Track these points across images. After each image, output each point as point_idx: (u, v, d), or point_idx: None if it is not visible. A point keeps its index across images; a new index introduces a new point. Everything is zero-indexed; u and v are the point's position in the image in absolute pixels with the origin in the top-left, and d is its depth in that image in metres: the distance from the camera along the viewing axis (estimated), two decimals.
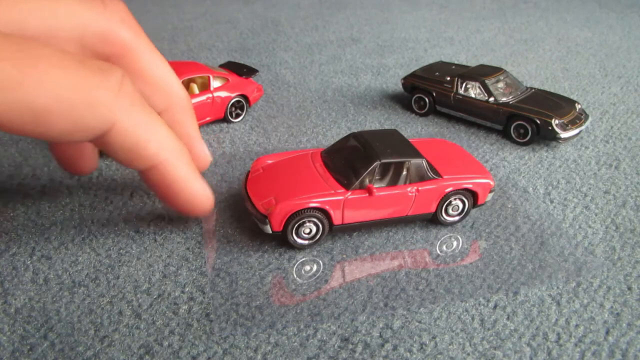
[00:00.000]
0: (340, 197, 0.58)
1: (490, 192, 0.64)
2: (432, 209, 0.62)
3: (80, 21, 0.48)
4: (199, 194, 0.55)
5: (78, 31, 0.48)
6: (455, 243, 0.62)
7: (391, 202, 0.60)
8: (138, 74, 0.53)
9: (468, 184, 0.62)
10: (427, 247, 0.61)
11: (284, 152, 0.68)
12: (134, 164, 0.50)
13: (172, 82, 0.57)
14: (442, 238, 0.62)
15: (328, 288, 0.54)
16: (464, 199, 0.63)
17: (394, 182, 0.60)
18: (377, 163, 0.58)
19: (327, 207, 0.57)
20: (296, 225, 0.57)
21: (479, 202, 0.63)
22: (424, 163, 0.60)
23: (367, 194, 0.58)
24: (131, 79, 0.50)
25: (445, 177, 0.62)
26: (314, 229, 0.58)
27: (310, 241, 0.59)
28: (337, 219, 0.59)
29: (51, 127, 0.43)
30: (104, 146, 0.48)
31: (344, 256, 0.59)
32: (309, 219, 0.57)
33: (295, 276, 0.56)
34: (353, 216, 0.59)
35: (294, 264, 0.58)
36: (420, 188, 0.60)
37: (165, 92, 0.57)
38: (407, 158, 0.60)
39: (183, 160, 0.53)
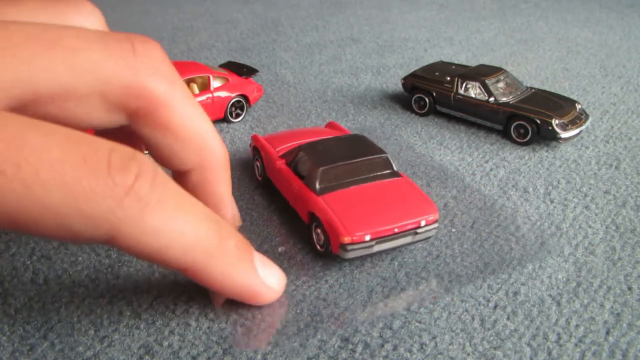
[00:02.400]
0: None
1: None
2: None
3: (103, 74, 0.41)
4: (248, 288, 0.49)
5: (100, 86, 0.41)
6: (450, 244, 0.62)
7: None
8: (169, 129, 0.46)
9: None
10: (427, 247, 0.61)
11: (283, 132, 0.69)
12: (158, 264, 0.44)
13: (208, 137, 0.50)
14: (439, 236, 0.62)
15: (328, 288, 0.54)
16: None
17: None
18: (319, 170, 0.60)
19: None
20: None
21: None
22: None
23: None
24: (156, 136, 0.44)
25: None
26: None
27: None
28: None
29: (33, 231, 0.36)
30: (116, 248, 0.41)
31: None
32: None
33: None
34: None
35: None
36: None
37: (198, 149, 0.49)
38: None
39: (221, 259, 0.46)
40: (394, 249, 0.57)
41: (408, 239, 0.56)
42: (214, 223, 0.45)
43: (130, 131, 0.46)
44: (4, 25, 0.37)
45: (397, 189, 0.60)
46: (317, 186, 0.60)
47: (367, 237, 0.54)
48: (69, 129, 0.37)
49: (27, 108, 0.38)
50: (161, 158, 0.48)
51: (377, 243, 0.55)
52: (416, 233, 0.56)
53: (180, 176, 0.51)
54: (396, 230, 0.55)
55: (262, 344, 0.48)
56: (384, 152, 0.63)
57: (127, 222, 0.38)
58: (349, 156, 0.62)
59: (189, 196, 0.44)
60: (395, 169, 0.63)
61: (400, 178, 0.62)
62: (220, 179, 0.53)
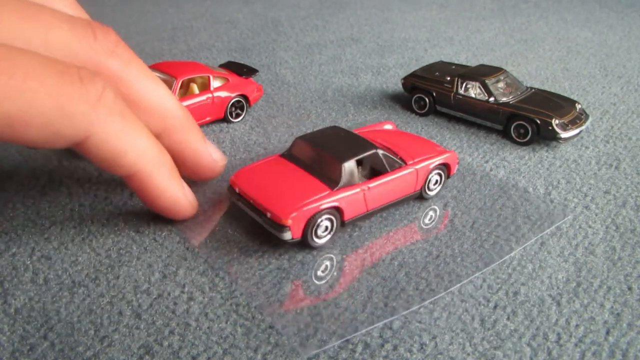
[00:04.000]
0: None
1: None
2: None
3: (69, 51, 0.49)
4: (177, 201, 0.58)
5: (68, 58, 0.49)
6: (451, 243, 0.62)
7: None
8: (130, 101, 0.54)
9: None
10: (427, 247, 0.61)
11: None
12: (112, 171, 0.52)
13: (166, 104, 0.58)
14: (438, 236, 0.62)
15: (328, 288, 0.54)
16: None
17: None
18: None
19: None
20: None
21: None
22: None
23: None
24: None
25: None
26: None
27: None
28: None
29: (25, 134, 0.43)
30: (82, 152, 0.49)
31: (344, 256, 0.59)
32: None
33: (314, 280, 0.56)
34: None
35: (313, 266, 0.58)
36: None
37: (160, 116, 0.58)
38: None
39: (162, 169, 0.55)
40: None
41: None
42: (156, 139, 0.55)
43: None
44: None
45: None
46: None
47: None
48: (44, 54, 0.45)
49: None
50: None
51: None
52: None
53: None
54: None
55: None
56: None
57: (98, 123, 0.46)
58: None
59: (136, 117, 0.52)
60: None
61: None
62: (188, 137, 0.61)
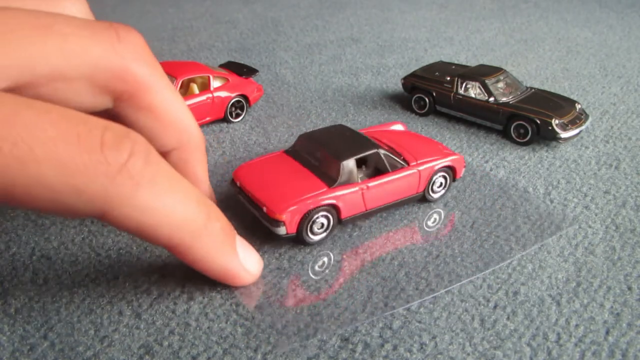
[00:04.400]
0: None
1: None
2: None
3: (91, 58, 0.43)
4: (228, 271, 0.51)
5: (89, 69, 0.43)
6: (451, 243, 0.62)
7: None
8: (151, 111, 0.50)
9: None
10: (427, 247, 0.61)
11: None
12: (146, 240, 0.45)
13: (186, 120, 0.54)
14: (439, 237, 0.62)
15: (327, 288, 0.54)
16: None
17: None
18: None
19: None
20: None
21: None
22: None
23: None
24: (138, 118, 0.48)
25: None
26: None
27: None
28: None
29: (32, 206, 0.38)
30: (107, 223, 0.42)
31: (344, 256, 0.59)
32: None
33: (310, 274, 0.56)
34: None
35: (309, 262, 0.58)
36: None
37: (178, 131, 0.53)
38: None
39: (206, 240, 0.47)
40: None
41: None
42: (203, 204, 0.47)
43: (114, 115, 0.49)
44: (1, 11, 0.40)
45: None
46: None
47: None
48: (63, 107, 0.39)
49: (21, 90, 0.40)
50: None
51: None
52: None
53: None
54: None
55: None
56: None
57: (119, 199, 0.39)
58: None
59: (179, 176, 0.46)
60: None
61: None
62: (197, 159, 0.57)
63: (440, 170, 0.67)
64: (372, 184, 0.62)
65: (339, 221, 0.61)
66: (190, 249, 0.47)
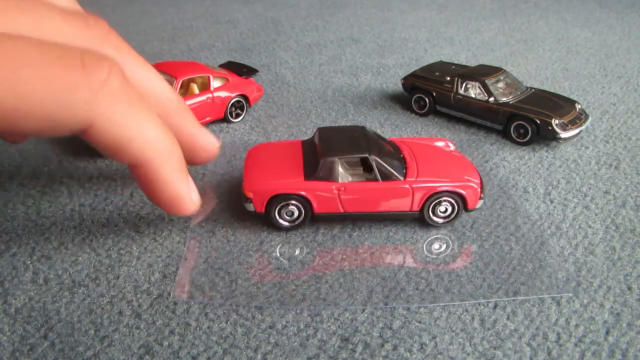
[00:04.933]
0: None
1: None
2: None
3: (64, 38, 0.47)
4: (181, 196, 0.55)
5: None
6: (451, 243, 0.62)
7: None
8: None
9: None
10: (426, 247, 0.61)
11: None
12: (117, 158, 0.50)
13: (159, 88, 0.57)
14: (438, 237, 0.62)
15: (328, 288, 0.54)
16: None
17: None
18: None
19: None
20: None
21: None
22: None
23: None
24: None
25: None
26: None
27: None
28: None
29: (22, 125, 0.41)
30: (86, 139, 0.47)
31: (344, 256, 0.59)
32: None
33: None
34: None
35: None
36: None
37: (155, 101, 0.57)
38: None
39: (170, 162, 0.53)
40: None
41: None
42: (167, 130, 0.52)
43: None
44: None
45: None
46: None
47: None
48: (44, 40, 0.43)
49: None
50: None
51: None
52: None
53: None
54: None
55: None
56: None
57: (101, 112, 0.44)
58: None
59: (148, 105, 0.51)
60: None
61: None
62: (183, 121, 0.59)
63: (444, 194, 0.62)
64: (349, 187, 0.61)
65: (313, 215, 0.62)
66: (155, 169, 0.51)
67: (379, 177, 0.61)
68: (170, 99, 0.59)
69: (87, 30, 0.50)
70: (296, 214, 0.62)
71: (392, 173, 0.62)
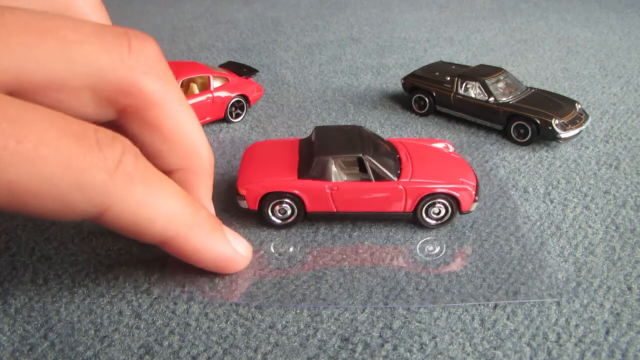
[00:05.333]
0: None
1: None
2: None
3: (96, 69, 0.41)
4: (224, 258, 0.52)
5: (93, 80, 0.41)
6: (451, 243, 0.62)
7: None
8: (157, 128, 0.47)
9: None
10: (426, 247, 0.61)
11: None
12: (141, 240, 0.46)
13: (195, 141, 0.51)
14: (438, 237, 0.62)
15: (328, 288, 0.54)
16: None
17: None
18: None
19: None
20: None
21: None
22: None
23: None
24: (143, 134, 0.46)
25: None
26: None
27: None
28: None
29: (33, 206, 0.38)
30: (104, 224, 0.43)
31: (344, 256, 0.59)
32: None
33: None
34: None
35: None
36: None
37: (185, 152, 0.50)
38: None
39: (199, 230, 0.48)
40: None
41: None
42: (188, 197, 0.48)
43: (117, 127, 0.46)
44: (0, 11, 0.38)
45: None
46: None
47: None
48: (57, 111, 0.39)
49: (19, 96, 0.39)
50: (146, 157, 0.48)
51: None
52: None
53: None
54: None
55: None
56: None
57: (117, 194, 0.41)
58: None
59: (163, 174, 0.47)
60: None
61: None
62: (202, 184, 0.54)
63: (437, 195, 0.61)
64: (342, 186, 0.61)
65: (305, 214, 0.62)
66: (185, 241, 0.48)
67: (372, 177, 0.61)
68: (199, 156, 0.52)
69: (129, 56, 0.43)
70: (289, 212, 0.62)
71: (386, 174, 0.61)
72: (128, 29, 0.44)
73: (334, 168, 0.61)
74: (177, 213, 0.46)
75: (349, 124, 0.93)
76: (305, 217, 0.63)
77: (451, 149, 0.72)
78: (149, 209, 0.43)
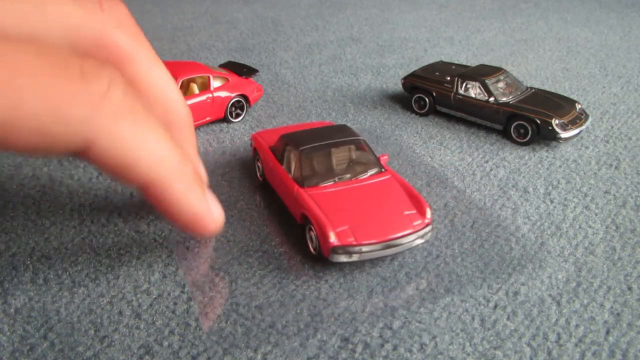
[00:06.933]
0: None
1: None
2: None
3: (72, 23, 0.42)
4: (199, 214, 0.51)
5: (69, 34, 0.42)
6: (450, 243, 0.62)
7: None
8: (135, 83, 0.48)
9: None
10: (427, 247, 0.61)
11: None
12: (123, 181, 0.45)
13: (172, 96, 0.52)
14: (438, 237, 0.62)
15: (328, 288, 0.54)
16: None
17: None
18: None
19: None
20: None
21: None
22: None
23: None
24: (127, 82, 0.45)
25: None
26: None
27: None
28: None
29: (13, 140, 0.37)
30: (87, 161, 0.42)
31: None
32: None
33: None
34: None
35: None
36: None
37: (163, 107, 0.51)
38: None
39: (183, 178, 0.47)
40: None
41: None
42: (176, 145, 0.47)
43: None
44: None
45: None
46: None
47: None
48: (40, 42, 0.39)
49: None
50: None
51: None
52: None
53: None
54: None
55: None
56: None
57: (102, 128, 0.39)
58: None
59: (152, 115, 0.45)
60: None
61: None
62: (184, 138, 0.54)
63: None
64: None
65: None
66: (166, 188, 0.46)
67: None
68: (180, 110, 0.53)
69: (100, 15, 0.45)
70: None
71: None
72: None
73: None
74: (164, 156, 0.45)
75: (349, 124, 0.92)
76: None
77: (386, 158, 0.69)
78: (135, 146, 0.42)
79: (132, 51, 0.47)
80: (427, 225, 0.57)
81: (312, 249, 0.58)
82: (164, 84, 0.51)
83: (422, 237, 0.57)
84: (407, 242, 0.56)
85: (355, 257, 0.55)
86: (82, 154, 0.40)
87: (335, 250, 0.54)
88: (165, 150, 0.45)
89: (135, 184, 0.46)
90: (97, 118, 0.39)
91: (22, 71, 0.35)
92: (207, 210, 0.51)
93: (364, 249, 0.55)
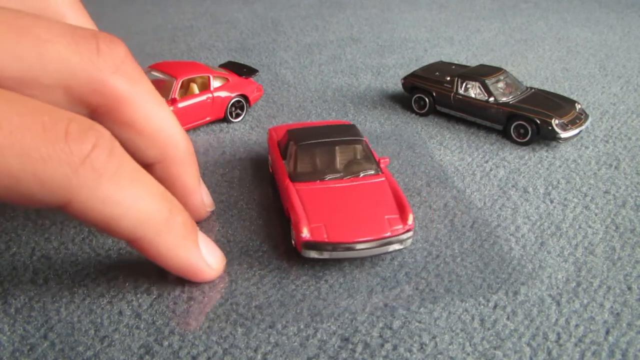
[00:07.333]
0: None
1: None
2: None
3: (68, 68, 0.42)
4: (190, 266, 0.51)
5: (64, 78, 0.43)
6: (450, 243, 0.62)
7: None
8: (130, 125, 0.48)
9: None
10: (427, 247, 0.61)
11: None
12: (108, 235, 0.46)
13: (169, 133, 0.52)
14: (438, 237, 0.62)
15: (328, 288, 0.54)
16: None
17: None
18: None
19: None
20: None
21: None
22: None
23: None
24: (118, 132, 0.46)
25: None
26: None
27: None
28: None
29: None
30: (69, 215, 0.43)
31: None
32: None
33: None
34: None
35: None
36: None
37: (160, 145, 0.52)
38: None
39: (170, 233, 0.48)
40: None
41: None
42: (166, 199, 0.48)
43: None
44: None
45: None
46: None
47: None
48: (30, 98, 0.39)
49: None
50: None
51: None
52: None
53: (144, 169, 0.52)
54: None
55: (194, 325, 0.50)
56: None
57: (81, 190, 0.40)
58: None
59: (143, 171, 0.46)
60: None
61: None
62: (184, 171, 0.55)
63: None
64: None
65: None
66: (152, 244, 0.47)
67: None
68: (179, 145, 0.54)
69: (98, 57, 0.44)
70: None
71: None
72: (97, 32, 0.46)
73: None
74: (148, 214, 0.46)
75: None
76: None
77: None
78: (115, 207, 0.43)
79: (128, 94, 0.47)
80: (408, 230, 0.57)
81: (293, 243, 0.59)
82: (161, 121, 0.51)
83: (400, 242, 0.56)
84: (382, 246, 0.56)
85: (326, 255, 0.55)
86: (62, 209, 0.41)
87: (306, 245, 0.55)
88: (153, 205, 0.46)
89: (120, 238, 0.46)
90: (76, 180, 0.39)
91: (6, 130, 0.36)
92: (199, 261, 0.52)
93: (335, 247, 0.55)
